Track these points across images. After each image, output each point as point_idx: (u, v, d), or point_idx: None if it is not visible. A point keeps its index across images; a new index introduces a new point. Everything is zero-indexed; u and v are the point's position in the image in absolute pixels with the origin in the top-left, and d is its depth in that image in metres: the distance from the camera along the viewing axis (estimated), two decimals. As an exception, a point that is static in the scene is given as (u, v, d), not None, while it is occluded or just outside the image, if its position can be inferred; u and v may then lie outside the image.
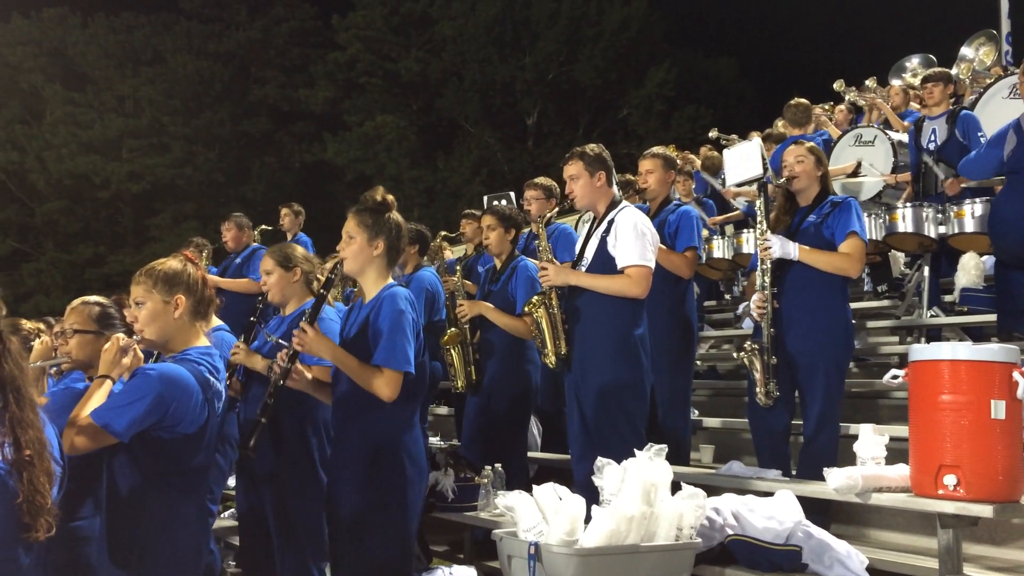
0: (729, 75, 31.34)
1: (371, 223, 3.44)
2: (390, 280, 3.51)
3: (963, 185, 6.41)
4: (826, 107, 9.87)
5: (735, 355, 4.66)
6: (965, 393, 3.36)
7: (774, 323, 4.44)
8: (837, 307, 4.43)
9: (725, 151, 5.25)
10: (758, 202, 4.57)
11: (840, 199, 4.56)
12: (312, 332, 3.28)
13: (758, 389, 4.46)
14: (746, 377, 4.65)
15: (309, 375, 3.55)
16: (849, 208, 4.47)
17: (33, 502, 2.14)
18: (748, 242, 7.12)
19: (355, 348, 3.35)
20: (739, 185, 5.48)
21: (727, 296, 9.57)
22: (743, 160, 4.96)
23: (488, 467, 4.98)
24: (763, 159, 4.99)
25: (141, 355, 3.00)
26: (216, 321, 4.77)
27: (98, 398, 2.80)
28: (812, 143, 4.84)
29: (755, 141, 5.12)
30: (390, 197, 3.52)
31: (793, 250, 4.38)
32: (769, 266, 4.43)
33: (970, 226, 6.16)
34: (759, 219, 4.54)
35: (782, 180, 4.64)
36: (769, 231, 4.48)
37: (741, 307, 4.71)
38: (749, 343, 4.50)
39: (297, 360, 3.45)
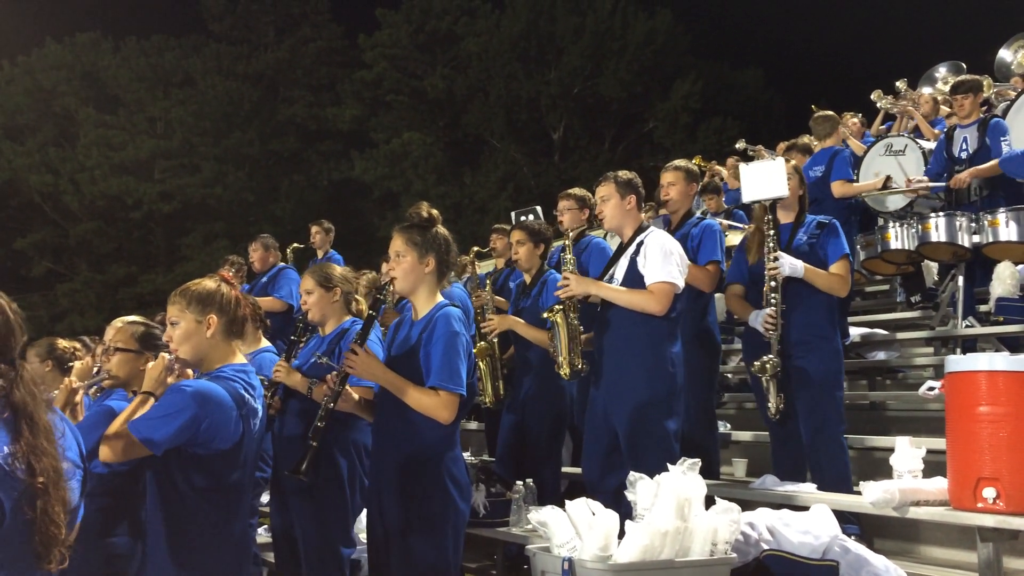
0: (755, 86, 31.14)
1: (420, 240, 3.42)
2: (440, 298, 3.49)
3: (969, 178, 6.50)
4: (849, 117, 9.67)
5: (751, 369, 4.78)
6: (1003, 404, 3.33)
7: (780, 339, 4.68)
8: (827, 322, 4.70)
9: (742, 166, 5.10)
10: (767, 218, 4.79)
11: (826, 220, 4.89)
12: (363, 354, 3.29)
13: (770, 403, 4.70)
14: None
15: (356, 396, 3.57)
16: (837, 231, 4.83)
17: (47, 532, 2.07)
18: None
19: (403, 366, 3.35)
20: (755, 202, 5.37)
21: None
22: (766, 178, 4.88)
23: (519, 482, 4.97)
24: (786, 179, 4.94)
25: (190, 372, 3.04)
26: (264, 342, 4.80)
27: (138, 413, 2.84)
28: (794, 163, 5.14)
29: (779, 160, 5.00)
30: (435, 212, 3.50)
31: (800, 269, 4.65)
32: (779, 283, 4.68)
33: (1005, 235, 6.08)
34: (767, 238, 4.76)
35: None
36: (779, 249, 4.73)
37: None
38: (767, 357, 4.70)
39: (347, 383, 3.46)
